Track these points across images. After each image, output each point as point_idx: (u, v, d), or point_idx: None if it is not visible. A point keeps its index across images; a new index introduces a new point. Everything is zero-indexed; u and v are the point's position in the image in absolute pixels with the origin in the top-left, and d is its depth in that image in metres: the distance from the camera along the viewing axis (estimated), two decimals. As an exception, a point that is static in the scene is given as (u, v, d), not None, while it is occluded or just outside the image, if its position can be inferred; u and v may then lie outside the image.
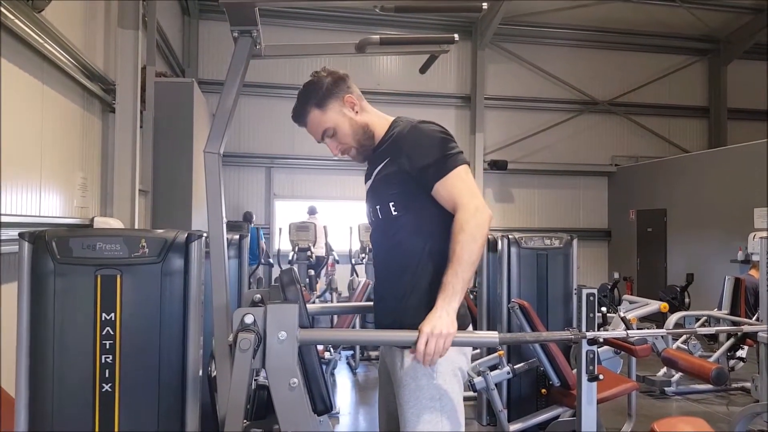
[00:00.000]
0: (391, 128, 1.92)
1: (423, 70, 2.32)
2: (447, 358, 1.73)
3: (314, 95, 1.90)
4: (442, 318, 1.63)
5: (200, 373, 1.96)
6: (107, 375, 1.84)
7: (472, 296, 5.63)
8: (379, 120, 1.96)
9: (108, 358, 1.84)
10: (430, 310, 1.67)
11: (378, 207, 1.88)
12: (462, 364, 1.84)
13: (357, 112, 1.92)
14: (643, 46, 11.95)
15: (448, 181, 1.76)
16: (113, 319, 1.85)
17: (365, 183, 2.00)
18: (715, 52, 12.17)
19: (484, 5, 1.87)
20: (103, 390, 1.84)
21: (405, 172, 1.80)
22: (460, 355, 1.83)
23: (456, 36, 2.05)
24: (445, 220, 1.80)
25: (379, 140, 1.93)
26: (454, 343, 1.66)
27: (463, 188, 1.76)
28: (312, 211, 9.97)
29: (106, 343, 1.84)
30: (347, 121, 1.91)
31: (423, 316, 1.67)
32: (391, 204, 1.83)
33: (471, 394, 4.11)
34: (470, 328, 1.92)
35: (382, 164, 1.87)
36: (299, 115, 1.94)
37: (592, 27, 11.51)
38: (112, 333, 1.85)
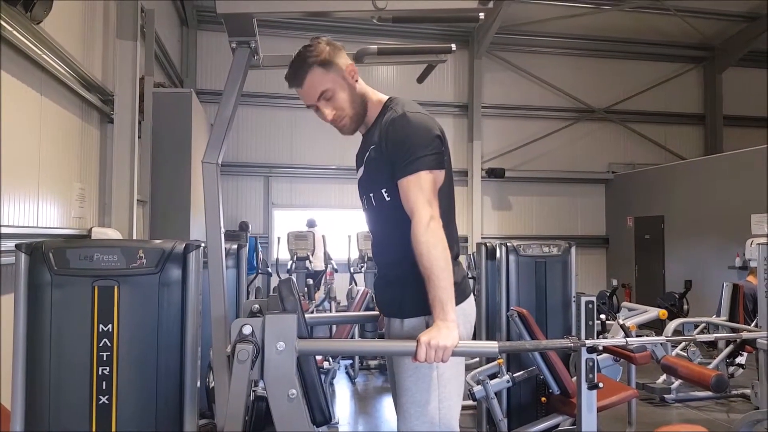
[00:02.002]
0: (383, 111, 1.91)
1: (421, 79, 2.33)
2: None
3: (317, 55, 1.85)
4: (441, 330, 1.63)
5: (198, 384, 1.95)
6: (104, 387, 1.83)
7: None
8: (375, 96, 1.95)
9: (105, 369, 1.83)
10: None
11: (371, 194, 1.88)
12: (463, 331, 1.84)
13: (357, 80, 1.91)
14: (639, 55, 12.02)
15: (407, 184, 1.75)
16: (110, 330, 1.84)
17: (356, 171, 1.98)
18: (710, 60, 12.24)
19: (482, 15, 1.88)
20: (100, 402, 1.82)
21: (390, 159, 1.80)
22: (464, 326, 1.85)
23: (453, 46, 2.06)
24: (439, 198, 1.81)
25: (372, 121, 1.92)
26: (456, 353, 1.66)
27: (418, 195, 1.74)
28: (311, 224, 9.93)
29: (103, 355, 1.83)
30: (347, 87, 1.88)
31: (424, 300, 1.70)
32: (383, 190, 1.84)
33: (471, 403, 4.09)
34: (470, 300, 1.92)
35: (370, 150, 1.87)
36: (297, 72, 1.86)
37: (588, 36, 11.57)
38: (109, 344, 1.83)
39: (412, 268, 1.77)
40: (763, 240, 5.28)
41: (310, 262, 8.67)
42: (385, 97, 1.96)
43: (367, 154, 1.88)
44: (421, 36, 10.89)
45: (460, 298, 1.82)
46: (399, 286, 1.87)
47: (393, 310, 1.91)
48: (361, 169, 1.94)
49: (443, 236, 1.72)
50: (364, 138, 1.97)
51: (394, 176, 1.79)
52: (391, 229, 1.87)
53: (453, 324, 1.65)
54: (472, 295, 1.94)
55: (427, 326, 1.74)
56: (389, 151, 1.80)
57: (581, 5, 10.50)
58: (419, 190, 1.75)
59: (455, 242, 1.88)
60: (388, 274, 1.94)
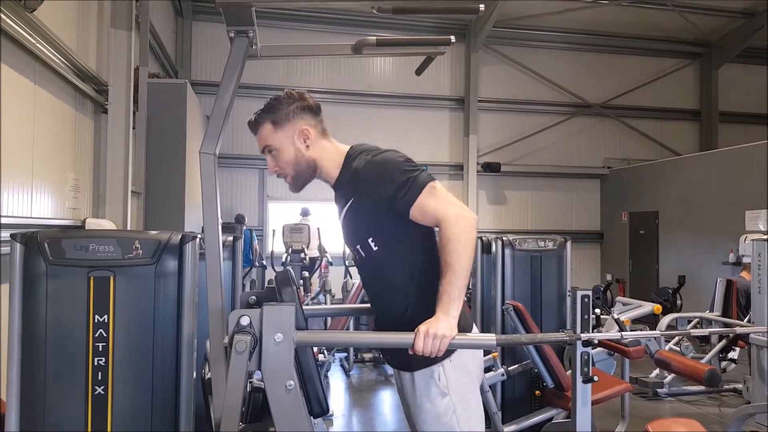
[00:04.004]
0: (347, 162, 1.89)
1: (419, 71, 2.31)
2: (457, 369, 1.80)
3: (275, 112, 1.88)
4: (440, 321, 1.63)
5: (194, 375, 1.95)
6: (100, 377, 1.82)
7: (466, 298, 5.63)
8: (333, 155, 1.92)
9: (101, 360, 1.82)
10: None
11: (358, 246, 1.88)
12: (473, 369, 1.87)
13: (308, 146, 1.89)
14: (636, 50, 12.02)
15: (421, 202, 1.74)
16: (106, 321, 1.83)
17: (338, 217, 1.97)
18: (707, 56, 12.26)
19: (481, 6, 1.87)
20: (96, 393, 1.82)
21: (374, 207, 1.79)
22: (473, 361, 1.87)
23: (452, 38, 2.04)
24: (426, 241, 1.84)
25: (336, 175, 1.91)
26: (453, 346, 1.66)
27: (438, 202, 1.74)
28: (305, 213, 9.92)
29: (98, 345, 1.82)
30: (292, 150, 1.89)
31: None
32: (369, 240, 1.83)
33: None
34: (475, 329, 1.91)
35: (349, 204, 1.86)
36: (255, 121, 1.92)
37: (584, 30, 11.57)
38: (105, 335, 1.83)
39: (414, 315, 1.76)
40: (756, 236, 5.31)
41: (305, 255, 8.65)
42: (346, 148, 1.94)
43: (345, 207, 1.87)
44: (417, 29, 10.88)
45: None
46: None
47: (401, 362, 1.90)
48: (341, 220, 1.93)
49: (473, 236, 1.72)
50: (335, 191, 1.96)
51: (399, 215, 1.77)
52: (386, 279, 1.87)
53: (453, 319, 1.65)
54: (473, 332, 1.91)
55: (439, 377, 1.79)
56: (373, 200, 1.78)
57: None
58: (435, 199, 1.74)
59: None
60: (389, 323, 1.91)
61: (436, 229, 1.80)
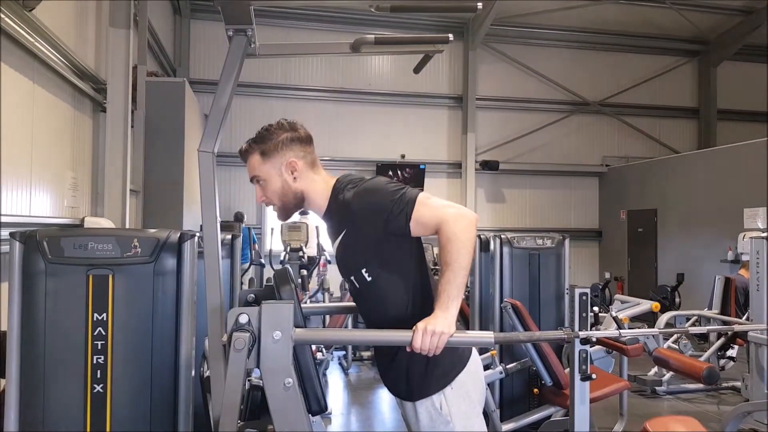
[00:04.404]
0: (334, 195, 1.89)
1: (417, 69, 2.31)
2: (459, 396, 1.81)
3: (265, 142, 1.88)
4: (438, 318, 1.64)
5: (193, 373, 1.95)
6: (99, 376, 1.82)
7: (464, 296, 5.64)
8: (321, 187, 1.93)
9: (100, 358, 1.82)
10: (434, 359, 1.72)
11: (352, 277, 1.88)
12: (474, 396, 1.87)
13: (295, 178, 1.90)
14: (634, 48, 12.02)
15: (417, 213, 1.74)
16: (105, 319, 1.83)
17: (332, 249, 1.98)
18: (705, 54, 12.26)
19: (479, 5, 1.87)
20: (95, 391, 1.82)
21: (370, 235, 1.80)
22: (474, 386, 1.88)
23: (451, 36, 2.04)
24: (418, 265, 1.86)
25: (325, 207, 1.92)
26: (451, 344, 1.66)
27: (433, 209, 1.75)
28: (303, 212, 9.90)
29: (97, 344, 1.82)
30: (279, 182, 1.89)
31: (433, 375, 1.78)
32: (363, 271, 1.84)
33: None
34: (473, 357, 1.91)
35: (342, 236, 1.87)
36: (245, 151, 1.92)
37: (583, 28, 11.57)
38: (103, 333, 1.83)
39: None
40: (755, 234, 5.32)
41: (304, 253, 8.64)
42: (333, 181, 1.94)
43: (338, 239, 1.88)
44: (415, 27, 10.86)
45: (458, 366, 1.85)
46: (403, 365, 1.86)
47: (402, 391, 1.91)
48: (335, 251, 1.93)
49: (473, 235, 1.72)
50: (326, 221, 1.97)
51: (400, 234, 1.78)
52: (383, 309, 1.88)
53: (452, 317, 1.66)
54: (472, 355, 1.91)
55: (441, 406, 1.80)
56: (368, 228, 1.79)
57: (577, -2, 10.51)
58: (429, 207, 1.75)
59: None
60: (388, 353, 1.91)
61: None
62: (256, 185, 1.93)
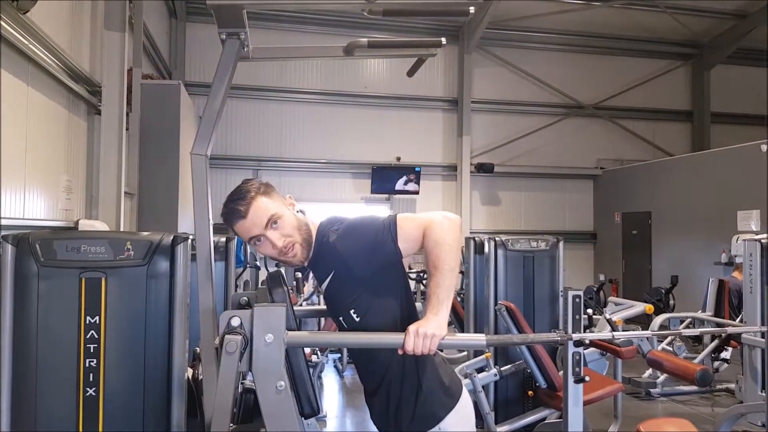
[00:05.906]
0: (319, 236, 1.87)
1: (411, 73, 2.33)
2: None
3: (258, 188, 1.81)
4: (430, 321, 1.65)
5: (186, 376, 1.95)
6: (91, 379, 1.82)
7: (459, 298, 5.65)
8: (310, 226, 1.91)
9: (92, 361, 1.82)
10: (425, 391, 1.76)
11: (341, 318, 1.88)
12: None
13: (297, 212, 1.89)
14: (628, 51, 12.07)
15: (402, 230, 1.75)
16: (98, 322, 1.83)
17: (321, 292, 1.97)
18: (699, 57, 12.32)
19: (471, 9, 1.89)
20: (87, 394, 1.82)
21: (358, 274, 1.79)
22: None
23: (443, 40, 2.05)
24: (403, 301, 1.86)
25: (312, 245, 1.89)
26: (443, 346, 1.67)
27: (414, 220, 1.76)
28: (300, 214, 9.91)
29: (90, 347, 1.82)
30: (291, 214, 1.84)
31: (425, 412, 1.79)
32: (351, 311, 1.84)
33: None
34: (463, 398, 1.90)
35: (330, 277, 1.86)
36: (238, 204, 1.75)
37: (577, 31, 11.60)
38: (96, 336, 1.83)
39: (403, 384, 1.82)
40: (748, 236, 5.34)
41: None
42: (317, 223, 1.92)
43: (326, 282, 1.87)
44: (410, 30, 10.88)
45: (450, 401, 1.85)
46: (394, 404, 1.86)
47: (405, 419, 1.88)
48: (325, 295, 1.93)
49: (459, 237, 1.73)
50: (312, 268, 1.93)
51: (395, 257, 1.78)
52: (372, 351, 1.89)
53: (443, 319, 1.67)
54: (462, 396, 1.90)
55: None
56: (357, 266, 1.78)
57: (571, 1, 10.54)
58: (411, 221, 1.76)
59: None
60: (380, 391, 1.92)
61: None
62: (269, 233, 1.77)
